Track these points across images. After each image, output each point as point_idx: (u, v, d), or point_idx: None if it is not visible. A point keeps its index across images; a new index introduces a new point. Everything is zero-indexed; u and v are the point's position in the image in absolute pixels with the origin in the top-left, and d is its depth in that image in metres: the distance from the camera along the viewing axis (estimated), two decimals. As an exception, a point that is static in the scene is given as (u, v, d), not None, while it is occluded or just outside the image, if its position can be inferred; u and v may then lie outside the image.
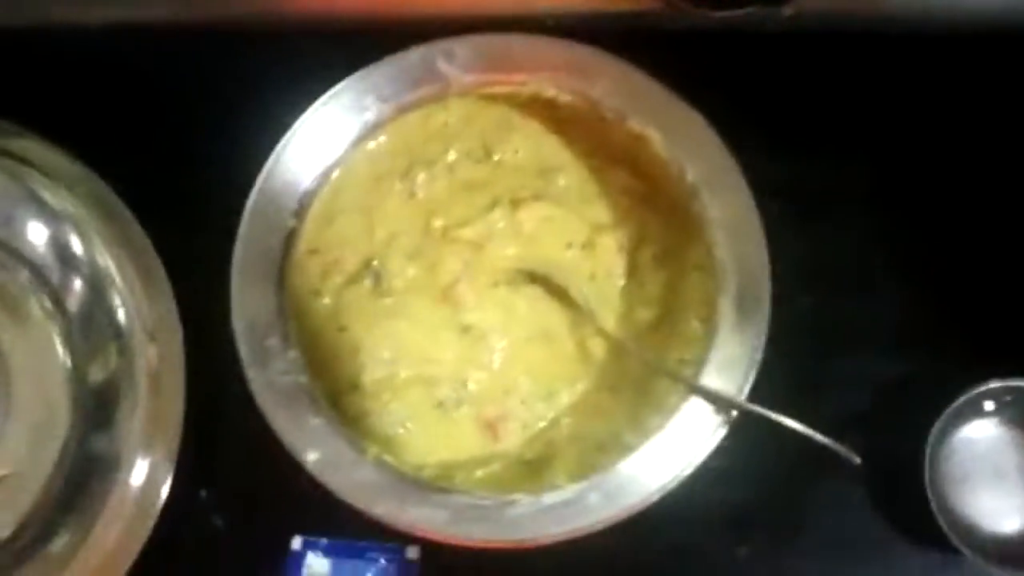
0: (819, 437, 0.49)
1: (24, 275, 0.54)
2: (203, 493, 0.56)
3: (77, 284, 0.54)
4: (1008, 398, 0.56)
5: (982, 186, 0.61)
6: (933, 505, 0.53)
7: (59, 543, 0.52)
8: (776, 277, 0.53)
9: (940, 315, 0.60)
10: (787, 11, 0.56)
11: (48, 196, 0.55)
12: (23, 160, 0.55)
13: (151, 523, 0.53)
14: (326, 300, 0.56)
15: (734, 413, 0.51)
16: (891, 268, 0.60)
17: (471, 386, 0.55)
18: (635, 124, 0.55)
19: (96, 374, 0.54)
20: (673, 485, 0.50)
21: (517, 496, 0.50)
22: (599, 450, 0.53)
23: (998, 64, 0.61)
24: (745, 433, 0.51)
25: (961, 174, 0.61)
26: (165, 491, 0.53)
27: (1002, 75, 0.61)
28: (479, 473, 0.53)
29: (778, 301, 0.53)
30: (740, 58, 0.60)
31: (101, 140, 0.57)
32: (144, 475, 0.53)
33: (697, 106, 0.54)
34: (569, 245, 0.57)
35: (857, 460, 0.49)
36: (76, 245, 0.55)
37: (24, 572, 0.52)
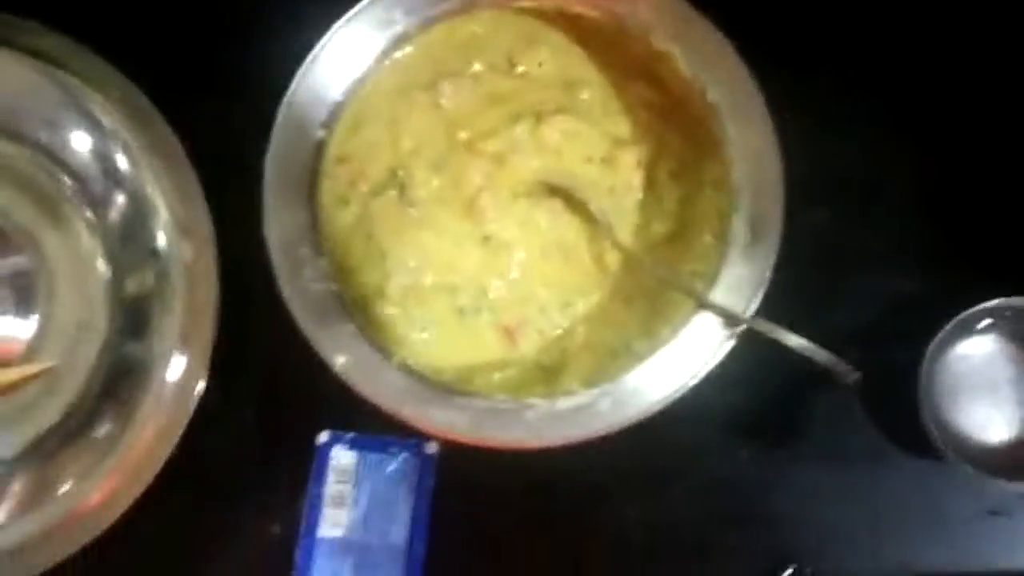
0: (819, 354, 0.51)
1: (67, 182, 0.56)
2: (236, 390, 0.58)
3: (119, 197, 0.56)
4: (1008, 314, 0.58)
5: (992, 109, 0.62)
6: (925, 415, 0.55)
7: (102, 431, 0.55)
8: (788, 193, 0.54)
9: (947, 234, 0.61)
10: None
11: (92, 105, 0.55)
12: (60, 64, 0.55)
13: (187, 416, 0.55)
14: (353, 209, 0.57)
15: (740, 328, 0.53)
16: (901, 187, 0.61)
17: (491, 294, 0.57)
18: (658, 41, 0.55)
19: (134, 278, 0.56)
20: (680, 394, 0.53)
21: (533, 400, 0.53)
22: (612, 358, 0.55)
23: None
24: (751, 345, 0.54)
25: (971, 98, 0.62)
26: (200, 386, 0.55)
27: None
28: (497, 377, 0.56)
29: (789, 216, 0.55)
30: None
31: (134, 46, 0.56)
32: (180, 371, 0.55)
33: (720, 24, 0.55)
34: (590, 159, 0.58)
35: (855, 375, 0.52)
36: (119, 158, 0.56)
37: (72, 454, 0.54)
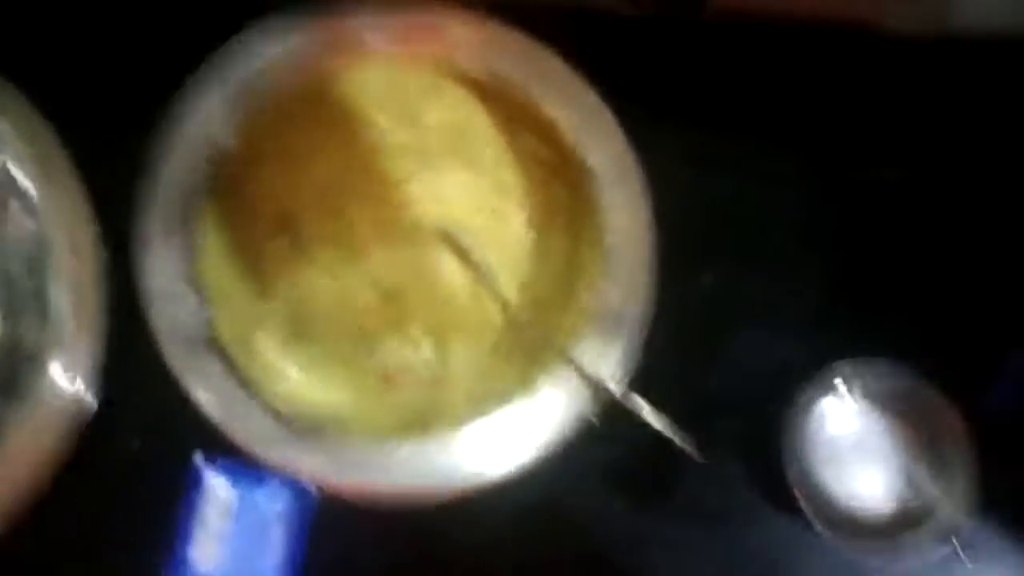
0: (672, 432, 0.55)
1: None
2: (120, 416, 0.58)
3: (12, 205, 0.57)
4: (868, 377, 0.60)
5: (877, 163, 0.64)
6: (790, 477, 0.57)
7: None
8: (665, 258, 0.58)
9: (829, 294, 0.63)
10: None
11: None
12: None
13: (71, 436, 0.56)
14: (239, 244, 0.58)
15: (607, 396, 0.55)
16: (779, 248, 0.63)
17: (374, 338, 0.59)
18: (546, 107, 0.57)
19: (20, 285, 0.57)
20: (552, 447, 0.55)
21: (404, 445, 0.54)
22: (491, 407, 0.56)
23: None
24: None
25: (865, 159, 0.65)
26: (85, 410, 0.56)
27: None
28: (372, 420, 0.57)
29: (668, 280, 0.57)
30: (651, 46, 0.62)
31: (33, 67, 0.58)
32: (61, 383, 0.56)
33: (607, 90, 0.57)
34: (481, 210, 0.60)
35: (700, 460, 0.55)
36: (14, 169, 0.57)
37: None
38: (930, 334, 0.62)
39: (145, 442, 0.59)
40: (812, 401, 0.58)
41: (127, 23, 0.61)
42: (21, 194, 0.57)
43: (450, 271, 0.60)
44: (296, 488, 0.57)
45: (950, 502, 0.59)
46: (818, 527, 0.57)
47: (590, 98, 0.57)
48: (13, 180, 0.57)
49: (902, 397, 0.60)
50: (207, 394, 0.53)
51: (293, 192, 0.59)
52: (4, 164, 0.57)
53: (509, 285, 0.60)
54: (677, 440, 0.54)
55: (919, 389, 0.60)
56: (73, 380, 0.56)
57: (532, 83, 0.57)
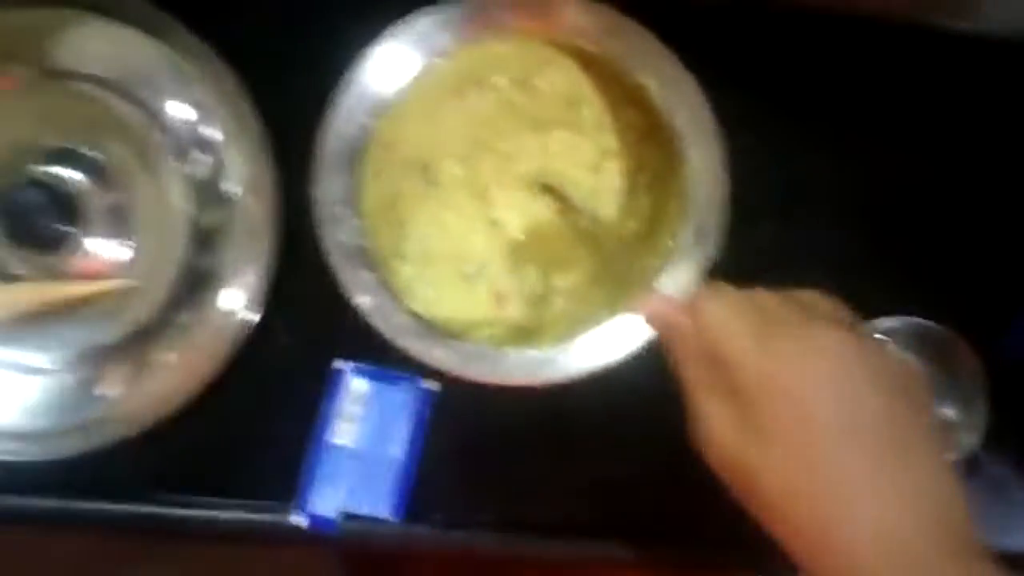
0: None
1: (158, 135, 0.65)
2: (277, 318, 0.66)
3: (202, 155, 0.65)
4: (901, 329, 0.67)
5: (930, 145, 0.70)
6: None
7: (176, 330, 0.65)
8: (733, 210, 0.65)
9: (874, 256, 0.69)
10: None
11: (188, 75, 0.64)
12: (161, 36, 0.64)
13: (238, 337, 0.65)
14: (386, 183, 0.65)
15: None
16: (829, 211, 0.69)
17: (489, 266, 0.67)
18: (640, 75, 0.65)
19: (207, 219, 0.65)
20: (631, 356, 0.64)
21: (511, 351, 0.65)
22: (580, 326, 0.66)
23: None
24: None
25: (911, 123, 0.70)
26: (250, 313, 0.65)
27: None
28: (486, 332, 0.66)
29: (733, 231, 0.65)
30: (725, 28, 0.69)
31: (222, 26, 0.64)
32: (243, 292, 0.65)
33: (684, 55, 0.65)
34: (581, 166, 0.68)
35: None
36: (205, 122, 0.65)
37: (152, 347, 0.65)
38: (954, 291, 0.69)
39: (296, 341, 0.67)
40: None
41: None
42: (205, 137, 0.65)
43: (554, 214, 0.68)
44: (420, 384, 0.67)
45: (968, 428, 0.67)
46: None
47: (678, 70, 0.63)
48: (198, 123, 0.65)
49: (930, 344, 0.67)
50: (364, 298, 0.63)
51: (429, 142, 0.67)
52: (190, 106, 0.65)
53: (603, 227, 0.68)
54: None
55: (944, 336, 0.67)
56: (244, 296, 0.65)
57: (630, 56, 0.64)
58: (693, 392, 0.50)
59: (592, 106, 0.69)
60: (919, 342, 0.68)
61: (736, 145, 0.65)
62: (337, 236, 0.63)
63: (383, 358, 0.65)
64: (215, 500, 0.66)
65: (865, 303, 0.61)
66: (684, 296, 0.52)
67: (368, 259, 0.63)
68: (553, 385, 0.64)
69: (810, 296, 0.51)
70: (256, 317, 0.65)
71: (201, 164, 0.66)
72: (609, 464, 0.68)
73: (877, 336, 0.67)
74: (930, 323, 0.67)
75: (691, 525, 0.69)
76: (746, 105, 0.66)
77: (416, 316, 0.65)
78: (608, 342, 0.65)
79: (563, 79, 0.68)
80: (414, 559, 0.86)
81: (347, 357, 0.67)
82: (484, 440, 0.67)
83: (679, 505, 0.68)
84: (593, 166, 0.69)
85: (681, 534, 0.69)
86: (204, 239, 0.66)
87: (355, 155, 0.64)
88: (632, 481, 0.67)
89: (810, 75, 0.70)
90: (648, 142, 0.69)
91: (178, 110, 0.66)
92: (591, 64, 0.68)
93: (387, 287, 0.64)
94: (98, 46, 0.65)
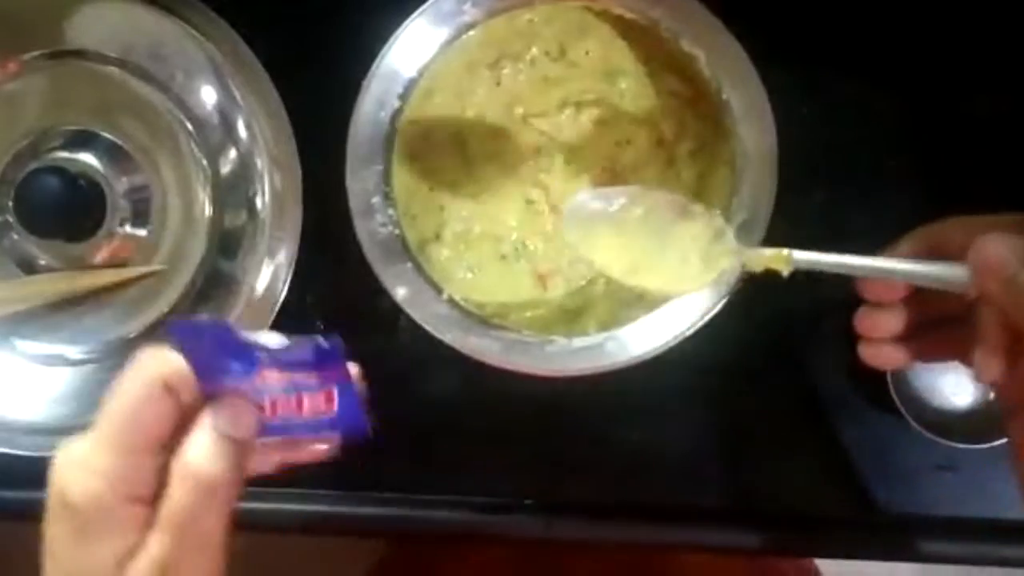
0: None
1: (189, 130, 0.64)
2: (309, 312, 0.67)
3: (230, 148, 0.65)
4: None
5: (988, 103, 0.68)
6: (889, 375, 0.65)
7: None
8: (785, 177, 0.63)
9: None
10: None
11: (219, 65, 0.64)
12: (192, 24, 0.64)
13: (269, 319, 0.65)
14: (420, 165, 0.65)
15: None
16: (895, 172, 0.68)
17: (529, 246, 0.66)
18: (686, 44, 0.63)
19: (231, 206, 0.65)
20: (677, 342, 0.63)
21: (554, 337, 0.63)
22: (625, 308, 0.64)
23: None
24: (744, 306, 0.63)
25: (968, 94, 0.68)
26: (281, 297, 0.65)
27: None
28: (528, 315, 0.65)
29: (786, 198, 0.63)
30: None
31: (251, 17, 0.65)
32: (266, 283, 0.65)
33: (734, 25, 0.62)
34: (618, 143, 0.66)
35: None
36: (235, 114, 0.64)
37: None
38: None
39: (328, 325, 0.67)
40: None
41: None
42: (229, 122, 0.65)
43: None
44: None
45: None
46: (914, 426, 0.64)
47: (726, 38, 0.62)
48: (220, 106, 0.65)
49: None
50: (400, 287, 0.62)
51: (463, 121, 0.66)
52: (212, 88, 0.64)
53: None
54: None
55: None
56: (270, 286, 0.65)
57: (675, 24, 0.62)
58: None
59: (631, 77, 0.67)
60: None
61: (784, 112, 0.63)
62: (371, 227, 0.63)
63: (418, 349, 0.64)
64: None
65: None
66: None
67: (402, 248, 0.63)
68: (598, 373, 0.63)
69: None
70: (279, 302, 0.65)
71: (225, 150, 0.65)
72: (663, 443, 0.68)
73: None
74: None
75: (747, 509, 0.69)
76: (792, 72, 0.65)
77: (454, 304, 0.64)
78: (654, 327, 0.63)
79: (599, 48, 0.67)
80: (451, 559, 0.85)
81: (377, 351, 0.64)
82: (524, 421, 0.67)
83: (734, 490, 0.68)
84: (630, 140, 0.67)
85: (737, 518, 0.69)
86: (228, 228, 0.65)
87: (385, 139, 0.64)
88: (686, 461, 0.68)
89: (856, 39, 0.68)
90: (690, 109, 0.66)
91: (201, 93, 0.65)
92: (629, 31, 0.66)
93: (423, 276, 0.63)
94: (116, 25, 0.65)
